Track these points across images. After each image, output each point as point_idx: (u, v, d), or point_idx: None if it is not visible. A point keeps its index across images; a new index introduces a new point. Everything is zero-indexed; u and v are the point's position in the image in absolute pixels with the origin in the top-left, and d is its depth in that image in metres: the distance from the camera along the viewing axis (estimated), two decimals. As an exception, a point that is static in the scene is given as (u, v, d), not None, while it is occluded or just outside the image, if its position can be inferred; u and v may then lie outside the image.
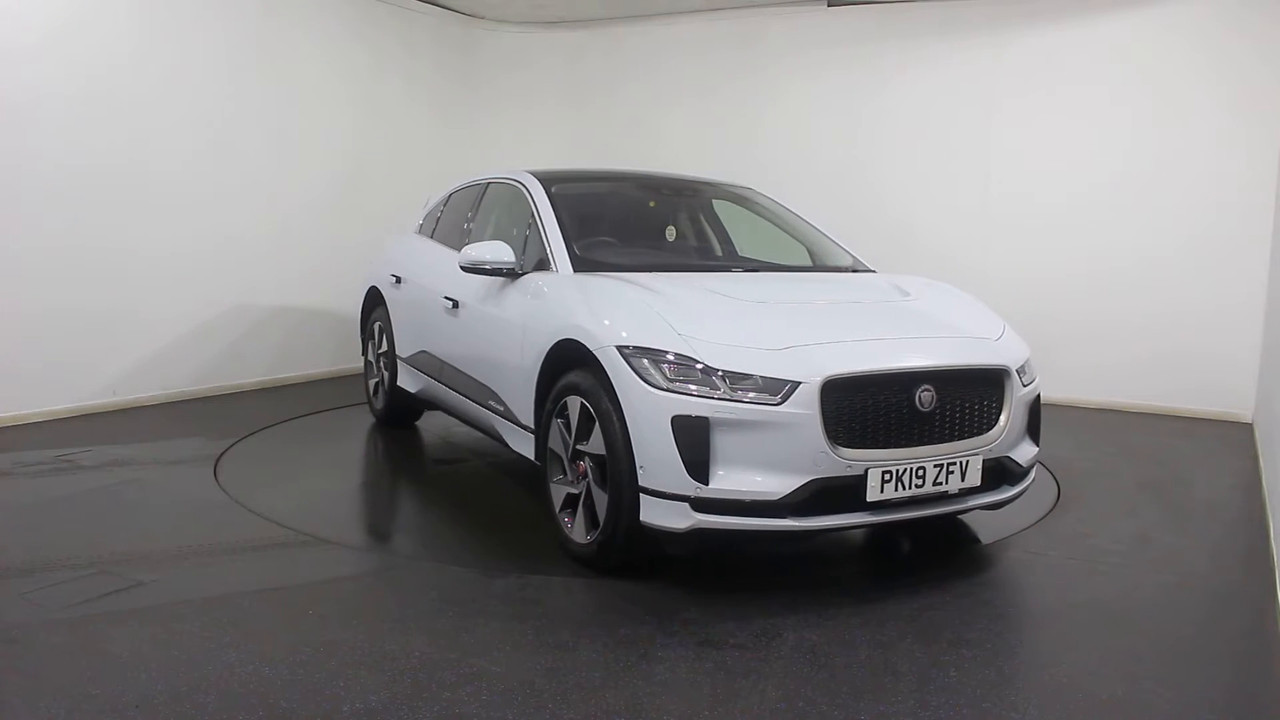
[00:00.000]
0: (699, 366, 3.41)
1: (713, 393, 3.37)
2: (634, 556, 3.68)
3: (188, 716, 2.59)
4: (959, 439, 3.63)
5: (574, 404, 3.77)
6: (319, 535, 4.13)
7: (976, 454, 3.63)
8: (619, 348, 3.56)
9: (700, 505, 3.36)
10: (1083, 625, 3.39)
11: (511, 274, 4.46)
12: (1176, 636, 3.36)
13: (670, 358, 3.45)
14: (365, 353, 6.60)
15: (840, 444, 3.39)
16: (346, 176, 8.17)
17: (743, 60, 8.69)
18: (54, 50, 6.00)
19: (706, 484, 3.35)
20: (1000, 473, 3.79)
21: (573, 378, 3.80)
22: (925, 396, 3.52)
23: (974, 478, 3.64)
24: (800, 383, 3.36)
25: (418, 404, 5.90)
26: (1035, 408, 4.03)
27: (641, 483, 3.47)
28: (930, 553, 4.14)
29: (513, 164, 6.20)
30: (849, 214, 8.25)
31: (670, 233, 5.23)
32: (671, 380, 3.42)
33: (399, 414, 6.22)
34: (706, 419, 3.34)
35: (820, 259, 5.10)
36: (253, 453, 5.61)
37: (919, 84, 8.04)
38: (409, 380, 5.79)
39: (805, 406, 3.35)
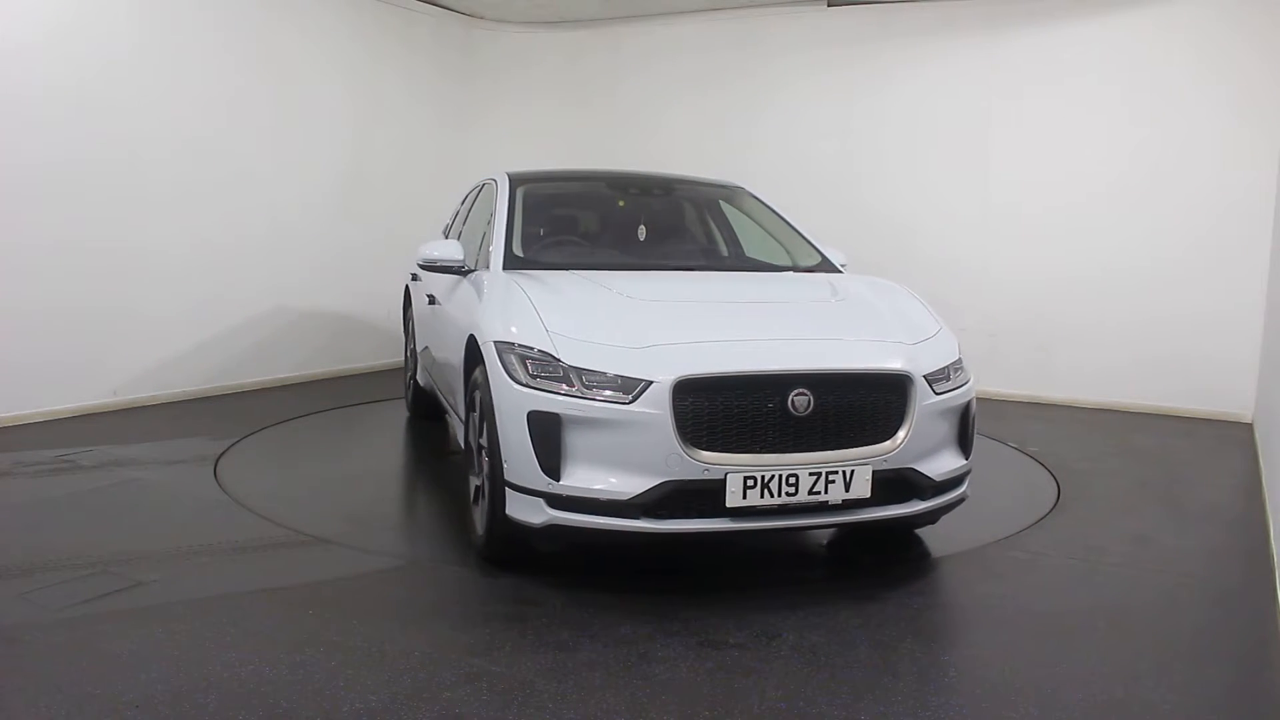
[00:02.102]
0: (558, 364, 3.41)
1: (567, 390, 3.35)
2: (511, 551, 3.71)
3: (188, 716, 2.59)
4: (845, 447, 3.43)
5: (476, 399, 3.84)
6: (319, 535, 4.13)
7: (865, 464, 3.42)
8: (495, 343, 3.60)
9: (554, 502, 3.36)
10: (1083, 625, 3.39)
11: (461, 271, 4.56)
12: (1176, 637, 3.36)
13: (534, 354, 3.47)
14: (405, 349, 6.84)
15: (698, 446, 3.30)
16: (347, 176, 8.17)
17: (742, 60, 8.69)
18: (54, 48, 6.00)
19: (558, 480, 3.34)
20: (903, 486, 3.55)
21: (476, 373, 3.86)
22: (800, 401, 3.36)
23: (862, 489, 3.42)
24: (652, 382, 3.29)
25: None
26: (964, 418, 3.78)
27: (506, 477, 3.49)
28: (930, 554, 4.13)
29: (512, 164, 6.20)
30: (848, 213, 8.26)
31: (641, 231, 5.22)
32: (532, 376, 3.42)
33: (421, 407, 6.36)
34: (558, 415, 3.34)
35: (790, 258, 5.02)
36: (253, 453, 5.61)
37: (918, 84, 8.04)
38: (422, 375, 6.01)
39: (656, 406, 3.27)
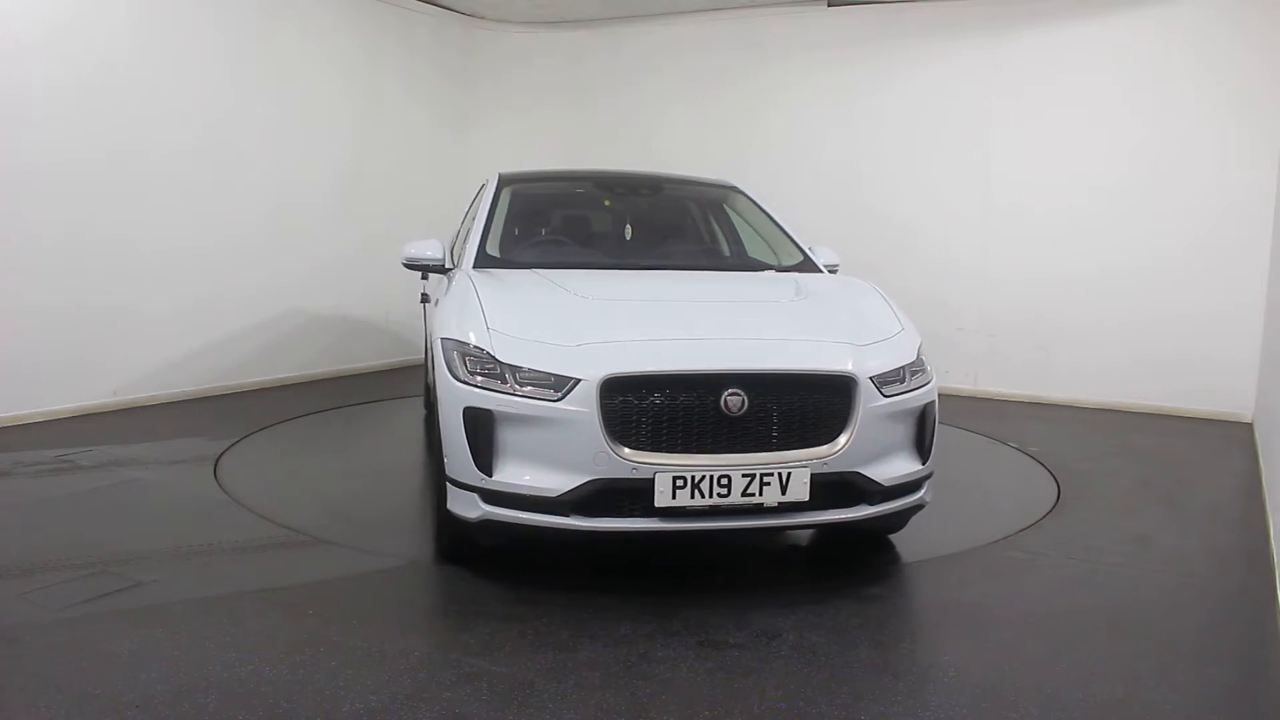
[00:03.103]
0: (494, 361, 3.43)
1: (501, 387, 3.38)
2: (460, 546, 3.78)
3: (188, 716, 2.59)
4: (783, 449, 3.38)
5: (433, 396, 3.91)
6: (319, 535, 4.13)
7: (804, 467, 3.35)
8: (442, 340, 3.67)
9: (488, 497, 3.41)
10: (1083, 625, 3.39)
11: (441, 269, 4.59)
12: (1177, 637, 3.36)
13: (473, 351, 3.50)
14: (424, 347, 6.91)
15: (626, 445, 3.29)
16: (347, 176, 8.17)
17: (742, 60, 8.69)
18: (54, 47, 6.00)
19: (491, 476, 3.38)
20: (847, 490, 3.48)
21: (432, 370, 3.94)
22: (733, 401, 3.32)
23: (799, 492, 3.35)
24: (580, 379, 3.29)
25: None
26: (921, 421, 3.69)
27: (446, 472, 3.55)
28: (930, 554, 4.13)
29: (512, 164, 6.20)
30: (848, 213, 8.27)
31: (628, 231, 5.25)
32: (471, 373, 3.46)
33: (431, 405, 6.40)
34: (491, 412, 3.37)
35: (775, 257, 4.97)
36: (253, 453, 5.61)
37: (919, 84, 8.04)
38: (429, 373, 6.04)
39: (583, 404, 3.27)
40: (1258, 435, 6.38)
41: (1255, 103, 6.92)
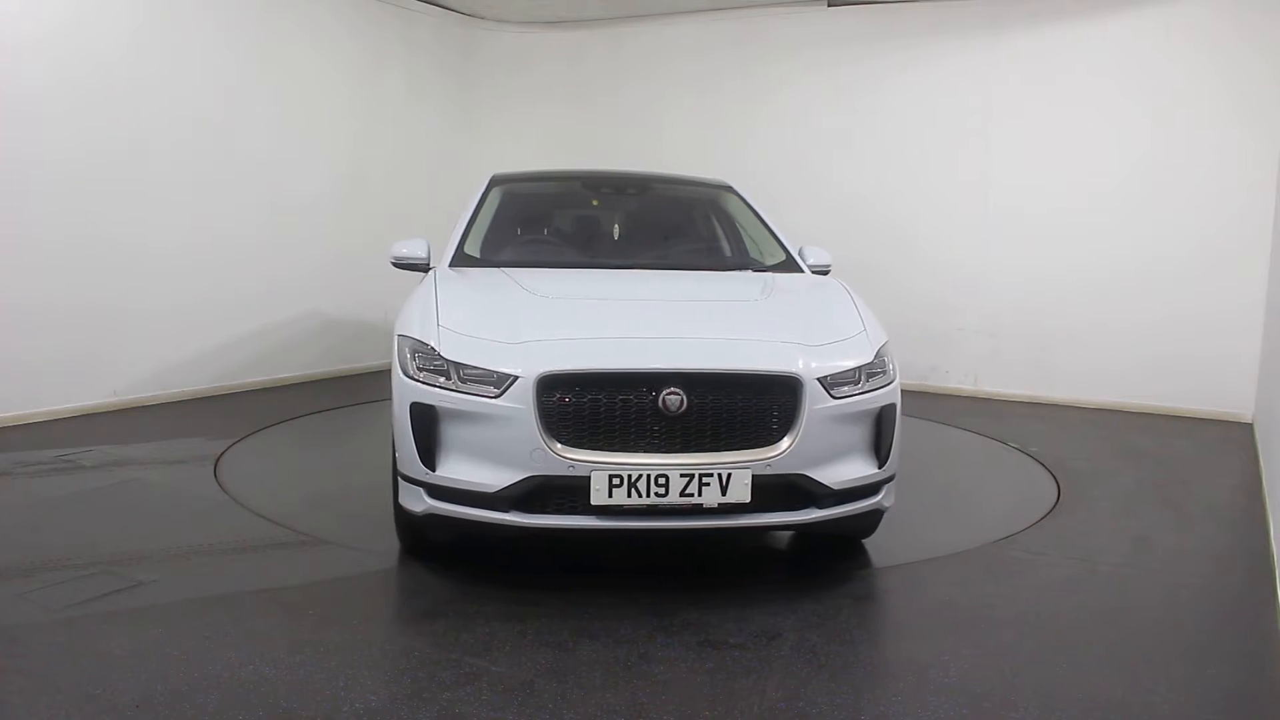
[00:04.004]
0: (439, 357, 3.48)
1: (444, 383, 3.43)
2: (418, 540, 3.84)
3: (188, 716, 2.59)
4: (724, 450, 3.35)
5: None
6: (319, 535, 4.13)
7: (744, 468, 3.32)
8: (398, 336, 3.71)
9: (432, 491, 3.47)
10: (1083, 625, 3.39)
11: (425, 268, 4.62)
12: (1177, 637, 3.36)
13: (422, 348, 3.55)
14: None
15: (564, 442, 3.30)
16: (347, 175, 8.17)
17: (743, 60, 8.69)
18: (54, 47, 6.00)
19: (434, 471, 3.44)
20: (793, 492, 3.44)
21: None
22: (671, 400, 3.29)
23: (740, 494, 3.32)
24: (517, 377, 3.32)
25: None
26: (878, 423, 3.62)
27: (397, 466, 3.61)
28: (929, 554, 4.13)
29: (512, 164, 6.21)
30: (848, 213, 8.27)
31: (615, 230, 5.26)
32: (419, 369, 3.52)
33: None
34: (434, 407, 3.43)
35: (761, 256, 4.92)
36: (253, 453, 5.61)
37: (918, 84, 8.04)
38: None
39: (520, 401, 3.30)
40: (1258, 435, 6.39)
41: (1256, 103, 6.92)
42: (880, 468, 3.63)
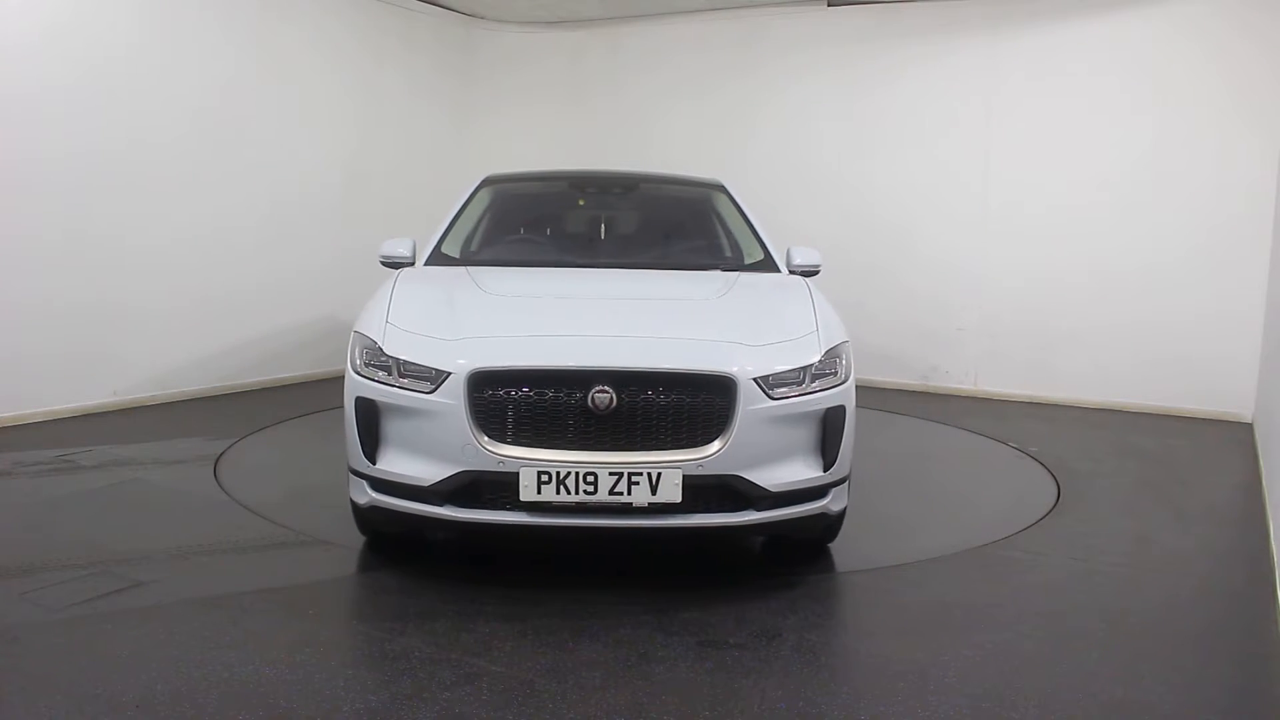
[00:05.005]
0: (383, 353, 3.55)
1: (385, 378, 3.50)
2: (371, 533, 3.96)
3: (188, 716, 2.59)
4: (654, 449, 3.32)
5: None
6: (319, 535, 4.13)
7: (675, 468, 3.29)
8: (353, 333, 3.77)
9: (374, 484, 3.55)
10: (1083, 625, 3.39)
11: (410, 266, 4.67)
12: (1177, 637, 3.36)
13: (369, 344, 3.62)
14: None
15: (494, 438, 3.34)
16: (347, 175, 8.17)
17: (742, 60, 8.69)
18: (54, 46, 5.99)
19: (374, 464, 3.52)
20: (728, 494, 3.39)
21: None
22: (600, 399, 3.29)
23: (670, 494, 3.29)
24: (450, 373, 3.37)
25: None
26: (825, 425, 3.54)
27: (348, 460, 3.68)
28: (929, 554, 4.13)
29: (511, 163, 6.22)
30: (848, 213, 8.27)
31: (602, 230, 5.30)
32: (365, 365, 3.60)
33: None
34: (375, 402, 3.51)
35: (742, 256, 4.89)
36: (253, 453, 5.61)
37: (918, 84, 8.04)
38: None
39: (452, 397, 3.35)
40: (1258, 435, 6.39)
41: (1257, 103, 6.91)
42: (826, 471, 3.55)
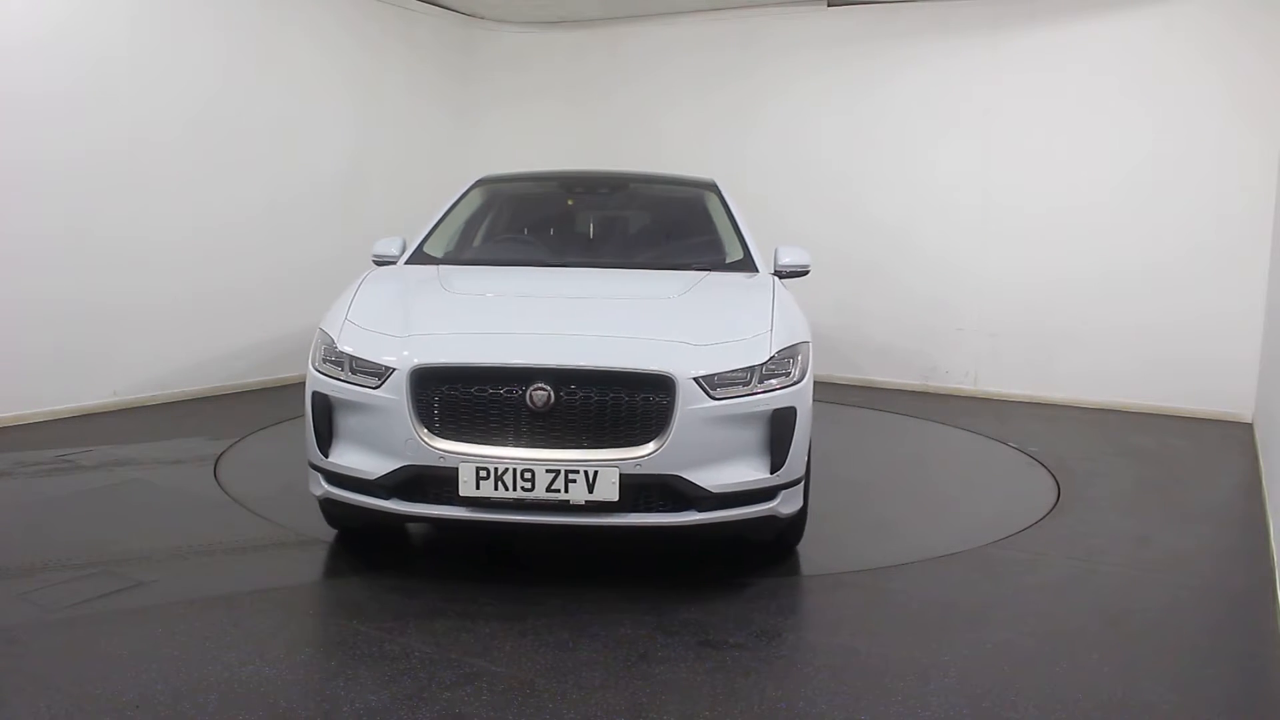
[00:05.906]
0: (337, 349, 3.62)
1: (338, 374, 3.58)
2: (333, 525, 4.02)
3: (188, 716, 2.59)
4: (592, 447, 3.33)
5: None
6: (319, 535, 4.13)
7: (611, 467, 3.29)
8: (318, 330, 3.82)
9: (328, 477, 3.63)
10: (1083, 625, 3.39)
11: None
12: (1177, 637, 3.36)
13: (327, 340, 3.70)
14: None
15: (436, 434, 3.39)
16: (348, 175, 8.17)
17: (743, 60, 8.69)
18: (54, 46, 5.99)
19: (327, 457, 3.60)
20: (668, 494, 3.37)
21: None
22: (538, 396, 3.31)
23: (607, 492, 3.28)
24: (394, 368, 3.43)
25: None
26: (773, 426, 3.48)
27: (306, 454, 3.74)
28: (929, 554, 4.13)
29: (511, 163, 6.22)
30: (848, 213, 8.27)
31: (591, 230, 5.32)
32: (323, 361, 3.67)
33: None
34: (328, 396, 3.59)
35: (725, 255, 4.82)
36: (253, 453, 5.61)
37: (918, 84, 8.03)
38: None
39: (396, 392, 3.40)
40: (1258, 435, 6.39)
41: (1257, 103, 6.91)
42: (773, 473, 3.49)
